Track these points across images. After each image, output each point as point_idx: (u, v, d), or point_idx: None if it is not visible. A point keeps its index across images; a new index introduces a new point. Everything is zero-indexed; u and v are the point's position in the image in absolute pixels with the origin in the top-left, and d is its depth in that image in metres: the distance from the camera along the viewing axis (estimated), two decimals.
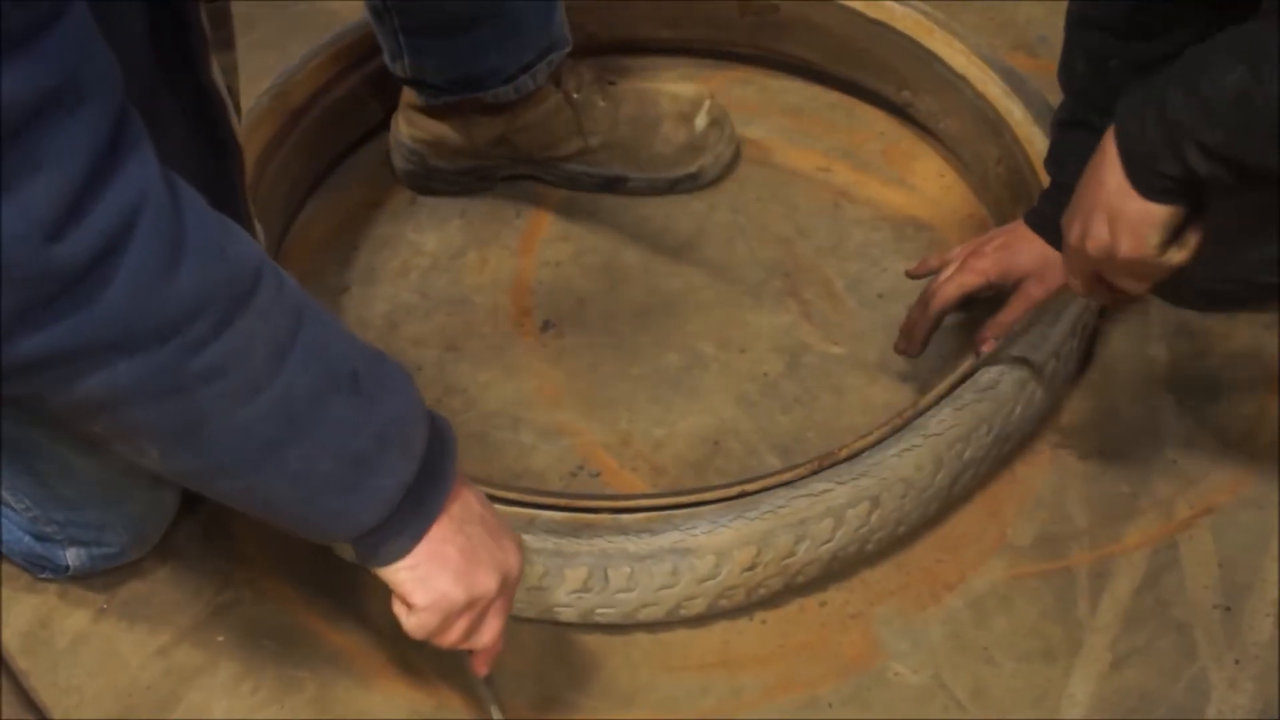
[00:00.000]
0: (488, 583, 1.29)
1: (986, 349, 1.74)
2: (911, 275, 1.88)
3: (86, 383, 1.04)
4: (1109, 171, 1.42)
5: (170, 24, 1.24)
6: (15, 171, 0.94)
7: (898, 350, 1.85)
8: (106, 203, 0.99)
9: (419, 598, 1.27)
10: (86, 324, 1.01)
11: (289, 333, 1.12)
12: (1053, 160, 1.76)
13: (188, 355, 1.06)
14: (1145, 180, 1.39)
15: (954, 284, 1.79)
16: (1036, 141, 1.94)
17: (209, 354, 1.06)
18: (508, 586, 1.32)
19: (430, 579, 1.26)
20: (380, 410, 1.20)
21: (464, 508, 1.28)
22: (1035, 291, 1.75)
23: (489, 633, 1.34)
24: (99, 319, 1.01)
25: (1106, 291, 1.54)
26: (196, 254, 1.05)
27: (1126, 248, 1.44)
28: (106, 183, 0.99)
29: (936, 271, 1.83)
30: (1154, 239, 1.42)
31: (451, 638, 1.31)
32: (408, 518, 1.24)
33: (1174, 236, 1.43)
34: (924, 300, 1.81)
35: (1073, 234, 1.50)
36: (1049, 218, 1.73)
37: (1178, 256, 1.44)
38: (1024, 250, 1.76)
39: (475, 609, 1.30)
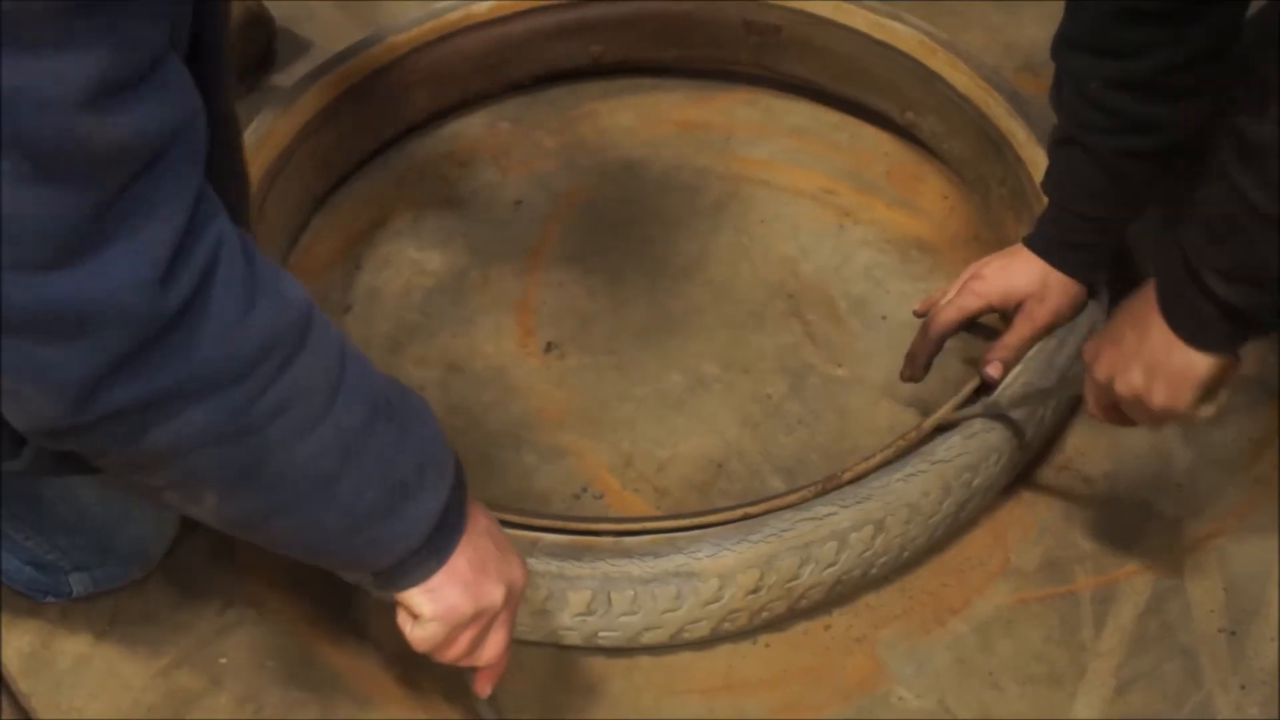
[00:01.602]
0: (494, 594, 1.29)
1: (991, 370, 1.75)
2: (919, 314, 1.88)
3: (158, 431, 1.04)
4: (1153, 322, 1.42)
5: (203, 53, 1.25)
6: (140, 211, 0.95)
7: (902, 378, 1.85)
8: (201, 245, 0.99)
9: (427, 609, 1.26)
10: (171, 370, 1.01)
11: (338, 366, 1.14)
12: (1050, 181, 1.76)
13: (256, 395, 1.06)
14: (1185, 324, 1.40)
15: (954, 308, 1.80)
16: (1040, 163, 1.93)
17: (274, 392, 1.07)
18: (512, 598, 1.32)
19: (439, 590, 1.26)
20: (416, 436, 1.21)
21: (474, 520, 1.29)
22: (1038, 312, 1.76)
23: (492, 647, 1.33)
24: (184, 364, 1.01)
25: (1120, 417, 1.56)
26: (264, 295, 1.06)
27: (1161, 399, 1.45)
28: (202, 225, 0.99)
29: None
30: (1190, 395, 1.43)
31: (456, 651, 1.31)
32: (439, 540, 1.24)
33: (1207, 392, 1.45)
34: (925, 326, 1.82)
35: (1100, 369, 1.51)
36: (1048, 238, 1.75)
37: (1207, 411, 1.46)
38: (1023, 271, 1.77)
39: (481, 621, 1.30)
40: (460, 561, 1.26)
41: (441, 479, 1.23)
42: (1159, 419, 1.49)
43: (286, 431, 1.10)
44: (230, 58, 1.33)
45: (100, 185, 0.93)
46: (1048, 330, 1.78)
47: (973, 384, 1.75)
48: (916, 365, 1.83)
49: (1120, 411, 1.54)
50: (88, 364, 0.98)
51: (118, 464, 1.10)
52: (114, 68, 0.91)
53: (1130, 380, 1.46)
